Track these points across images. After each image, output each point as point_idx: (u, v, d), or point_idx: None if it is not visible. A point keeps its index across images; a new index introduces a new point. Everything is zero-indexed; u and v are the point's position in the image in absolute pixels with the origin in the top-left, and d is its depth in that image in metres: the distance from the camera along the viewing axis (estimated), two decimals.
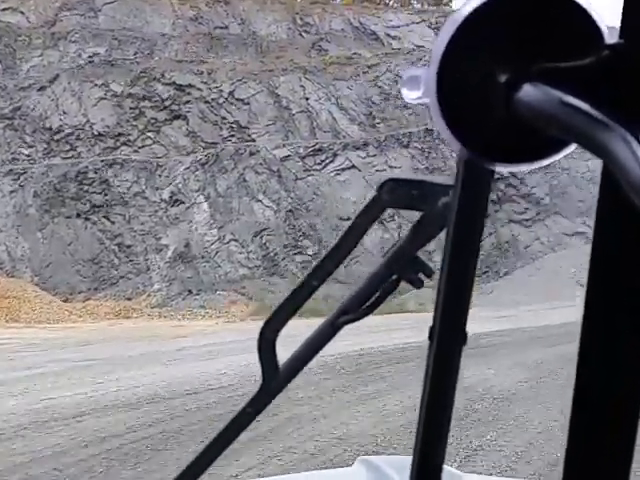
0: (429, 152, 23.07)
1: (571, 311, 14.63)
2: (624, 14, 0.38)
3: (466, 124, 0.40)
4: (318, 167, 23.77)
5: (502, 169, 0.43)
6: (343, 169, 23.64)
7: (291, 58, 28.84)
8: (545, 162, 0.42)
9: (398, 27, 30.43)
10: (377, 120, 25.97)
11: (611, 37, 0.38)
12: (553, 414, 6.64)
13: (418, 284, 0.59)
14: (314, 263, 0.61)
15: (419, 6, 35.10)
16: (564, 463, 0.46)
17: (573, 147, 0.40)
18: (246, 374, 8.40)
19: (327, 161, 23.79)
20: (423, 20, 30.76)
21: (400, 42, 29.27)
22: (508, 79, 0.38)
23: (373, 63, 27.10)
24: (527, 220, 21.83)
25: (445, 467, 0.58)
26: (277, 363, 0.64)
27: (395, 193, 0.56)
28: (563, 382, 7.47)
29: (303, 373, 0.64)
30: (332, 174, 23.64)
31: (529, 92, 0.37)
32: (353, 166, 23.57)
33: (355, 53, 28.15)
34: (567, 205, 21.37)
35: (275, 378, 0.64)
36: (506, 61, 0.39)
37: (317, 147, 24.07)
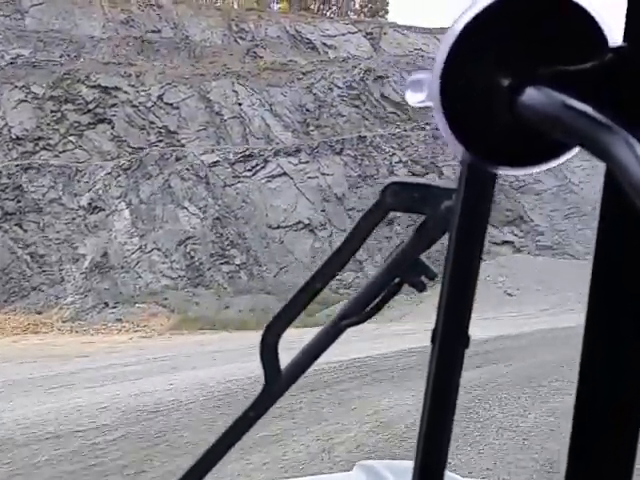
0: (362, 159, 22.65)
1: (496, 324, 14.22)
2: (627, 17, 0.38)
3: (469, 127, 0.41)
4: (248, 174, 22.97)
5: (505, 172, 0.43)
6: (274, 176, 22.92)
7: (224, 63, 28.11)
8: (548, 165, 0.42)
9: (334, 36, 30.20)
10: (311, 127, 25.46)
11: (614, 40, 0.38)
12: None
13: (421, 287, 0.59)
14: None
15: (355, 17, 35.11)
16: (567, 467, 0.46)
17: (576, 150, 0.40)
18: (130, 408, 6.94)
19: (258, 167, 23.02)
20: (359, 30, 30.65)
21: (336, 51, 29.01)
22: (511, 82, 0.38)
23: (308, 70, 26.64)
24: None
25: (447, 472, 0.57)
26: (279, 366, 0.64)
27: (398, 196, 0.56)
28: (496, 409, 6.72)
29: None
30: (263, 181, 22.88)
31: (532, 95, 0.37)
32: (284, 173, 22.89)
33: (291, 60, 27.66)
34: (496, 214, 21.30)
35: (277, 381, 0.64)
36: (509, 64, 0.39)
37: (247, 153, 23.28)
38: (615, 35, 0.38)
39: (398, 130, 23.05)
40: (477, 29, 0.38)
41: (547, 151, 0.41)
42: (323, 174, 22.68)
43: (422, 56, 28.33)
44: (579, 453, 0.46)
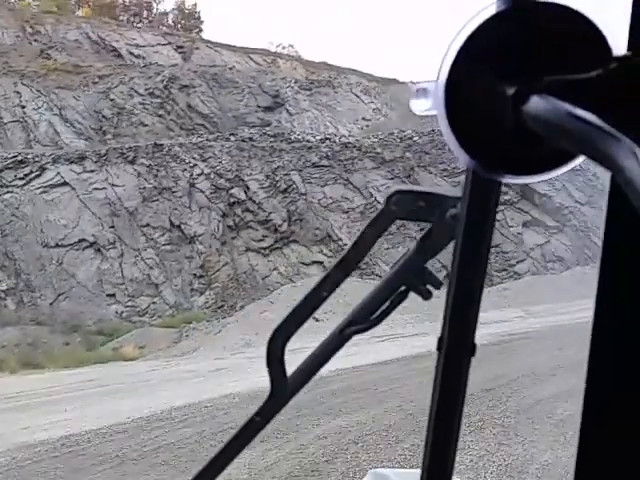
0: (158, 170, 20.17)
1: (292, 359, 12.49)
2: (632, 27, 0.39)
3: (474, 136, 0.41)
4: (19, 183, 19.34)
5: (510, 181, 0.43)
6: (52, 186, 19.54)
7: (6, 61, 24.27)
8: (553, 174, 0.42)
9: (143, 46, 27.83)
10: (109, 136, 22.50)
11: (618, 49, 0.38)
12: None
13: (426, 295, 0.59)
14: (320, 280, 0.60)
15: (165, 29, 33.18)
16: (575, 466, 0.46)
17: (581, 159, 0.40)
18: None
19: (32, 176, 19.50)
20: (169, 43, 28.71)
21: (143, 60, 26.59)
22: (516, 91, 0.38)
23: (105, 74, 23.79)
24: (265, 249, 19.92)
25: (454, 479, 0.58)
26: (285, 372, 0.64)
27: (403, 204, 0.57)
28: None
29: None
30: (37, 192, 19.38)
31: (537, 104, 0.37)
32: (65, 183, 19.61)
33: (85, 63, 24.62)
34: (304, 232, 19.99)
35: (283, 387, 0.64)
36: (514, 74, 0.39)
37: (19, 159, 19.65)
38: (619, 44, 0.38)
39: (200, 139, 20.97)
40: (482, 38, 0.39)
41: (552, 160, 0.41)
42: (112, 185, 19.79)
43: (231, 69, 27.10)
44: (588, 453, 0.46)
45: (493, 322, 12.04)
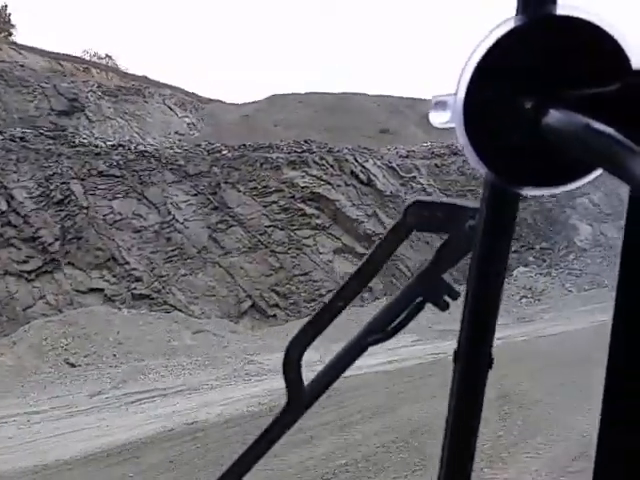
0: None
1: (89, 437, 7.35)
2: None
3: (492, 148, 0.41)
4: None
5: (528, 193, 0.43)
6: None
7: None
8: (571, 187, 0.42)
9: None
10: None
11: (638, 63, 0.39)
12: None
13: (443, 306, 0.60)
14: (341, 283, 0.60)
15: None
16: (594, 467, 0.46)
17: (599, 172, 0.40)
18: None
19: None
20: None
21: None
22: (534, 104, 0.39)
23: None
24: (30, 272, 16.12)
25: None
26: (302, 382, 0.64)
27: (420, 215, 0.57)
28: None
29: None
30: None
31: (556, 117, 0.37)
32: None
33: None
34: (82, 254, 16.58)
35: (300, 397, 0.64)
36: (533, 87, 0.39)
37: None
38: (638, 58, 0.38)
39: None
40: (500, 52, 0.39)
41: (569, 172, 0.41)
42: None
43: (22, 67, 23.17)
44: (606, 451, 0.45)
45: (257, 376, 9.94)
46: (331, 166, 19.20)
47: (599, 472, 0.46)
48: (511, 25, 0.39)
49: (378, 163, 20.05)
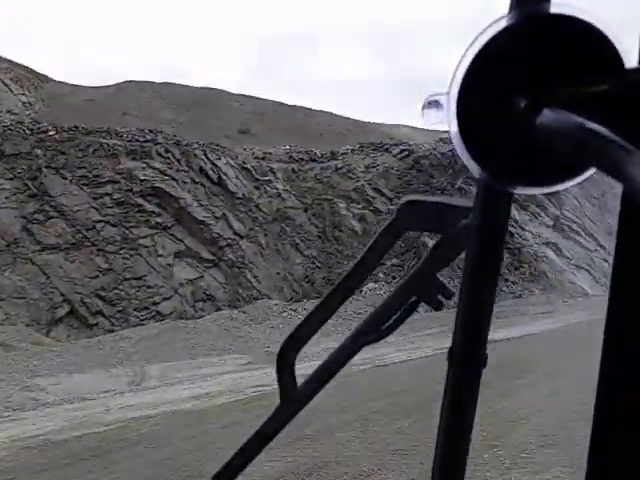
0: None
1: None
2: None
3: (486, 148, 0.42)
4: None
5: (521, 192, 0.44)
6: None
7: None
8: (564, 186, 0.43)
9: None
10: None
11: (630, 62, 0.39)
12: None
13: (437, 305, 0.60)
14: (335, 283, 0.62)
15: None
16: (587, 465, 0.46)
17: (592, 171, 0.40)
18: None
19: None
20: None
21: None
22: (528, 104, 0.39)
23: None
24: None
25: None
26: (295, 382, 0.64)
27: (413, 215, 0.57)
28: None
29: None
30: None
31: (549, 117, 0.37)
32: None
33: None
34: None
35: (293, 397, 0.64)
36: (526, 86, 0.40)
37: None
38: (631, 57, 0.39)
39: None
40: (493, 51, 0.39)
41: (563, 172, 0.42)
42: None
43: None
44: (600, 450, 0.45)
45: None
46: (177, 160, 17.32)
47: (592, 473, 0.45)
48: (504, 24, 0.39)
49: (231, 162, 18.52)
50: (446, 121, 0.41)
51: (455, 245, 0.55)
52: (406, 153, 21.04)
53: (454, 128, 0.41)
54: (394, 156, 21.34)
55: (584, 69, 0.38)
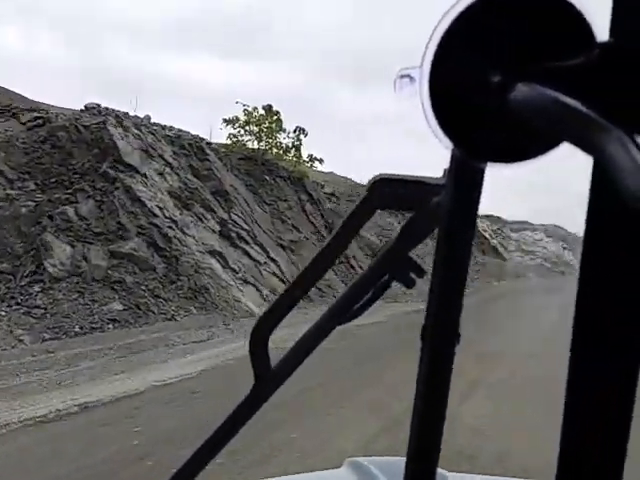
0: None
1: None
2: (613, 12, 0.38)
3: (458, 123, 0.41)
4: None
5: (493, 167, 0.44)
6: None
7: None
8: (536, 160, 0.42)
9: None
10: None
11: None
12: None
13: (410, 284, 0.59)
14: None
15: None
16: (558, 463, 0.45)
17: (565, 145, 0.40)
18: None
19: None
20: None
21: None
22: (501, 79, 0.39)
23: None
24: None
25: (438, 470, 0.57)
26: (269, 364, 0.63)
27: (385, 193, 0.56)
28: None
29: None
30: None
31: (522, 92, 0.37)
32: None
33: None
34: None
35: (267, 378, 0.63)
36: (499, 61, 0.39)
37: None
38: (602, 31, 0.38)
39: None
40: (466, 25, 0.39)
41: (535, 146, 0.41)
42: None
43: None
44: (570, 449, 0.44)
45: None
46: None
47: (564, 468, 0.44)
48: None
49: None
50: (418, 95, 0.40)
51: (427, 223, 0.54)
52: (40, 122, 15.56)
53: (426, 103, 0.40)
54: (23, 124, 15.65)
55: (556, 43, 0.38)
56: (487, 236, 28.67)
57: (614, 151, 0.30)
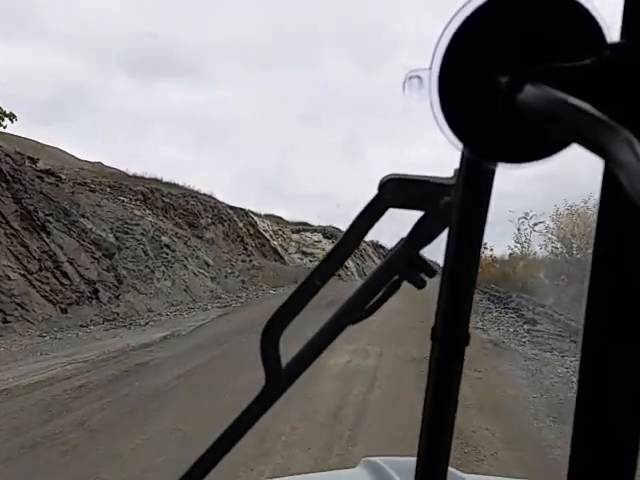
0: None
1: None
2: (624, 14, 0.38)
3: (468, 124, 0.41)
4: None
5: (503, 167, 0.43)
6: None
7: None
8: (546, 162, 0.42)
9: None
10: None
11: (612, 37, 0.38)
12: None
13: (420, 284, 0.59)
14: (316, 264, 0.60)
15: None
16: (569, 465, 0.45)
17: (574, 147, 0.39)
18: None
19: None
20: None
21: None
22: (510, 79, 0.38)
23: None
24: None
25: (450, 469, 0.58)
26: (280, 362, 0.63)
27: (396, 192, 0.56)
28: None
29: None
30: None
31: (531, 92, 0.37)
32: None
33: None
34: None
35: (278, 378, 0.63)
36: (508, 62, 0.39)
37: None
38: (613, 32, 0.38)
39: None
40: (475, 26, 0.38)
41: (545, 147, 0.41)
42: None
43: None
44: (582, 451, 0.44)
45: None
46: None
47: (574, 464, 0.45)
48: None
49: None
50: (428, 97, 0.40)
51: (437, 223, 0.53)
52: None
53: (436, 104, 0.40)
54: None
55: (566, 44, 0.37)
56: (268, 237, 26.44)
57: (624, 153, 0.30)
